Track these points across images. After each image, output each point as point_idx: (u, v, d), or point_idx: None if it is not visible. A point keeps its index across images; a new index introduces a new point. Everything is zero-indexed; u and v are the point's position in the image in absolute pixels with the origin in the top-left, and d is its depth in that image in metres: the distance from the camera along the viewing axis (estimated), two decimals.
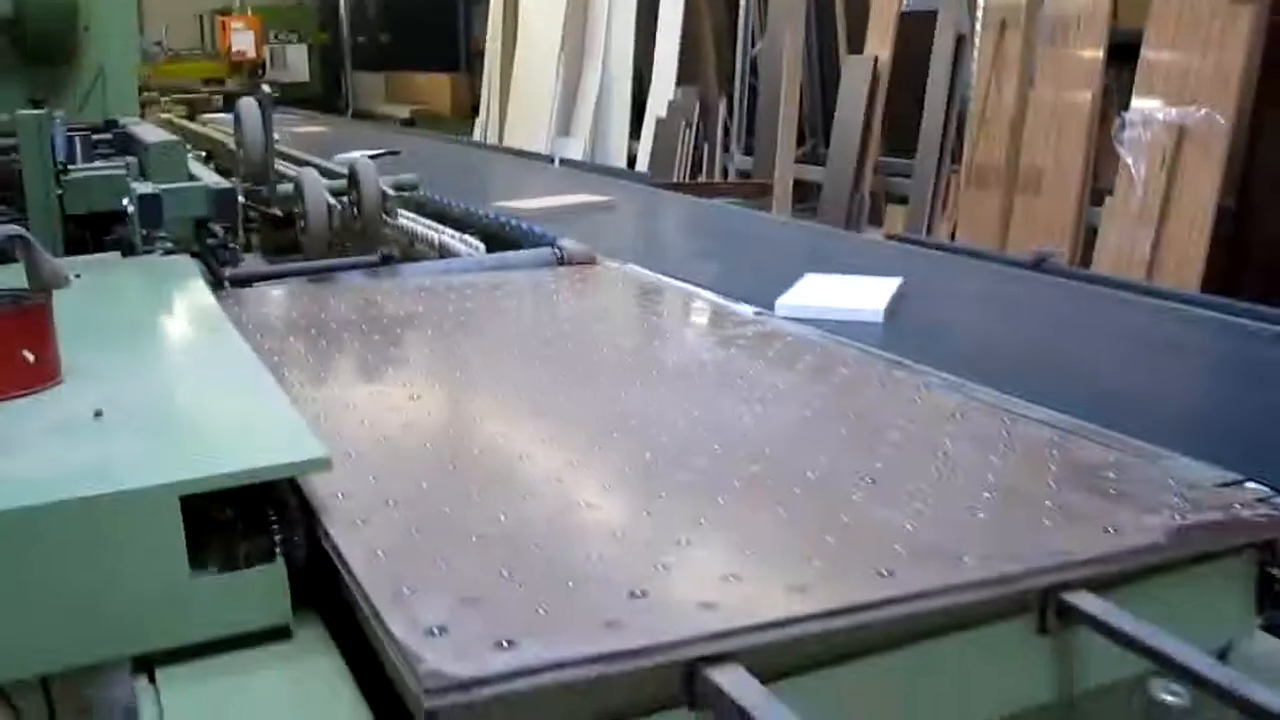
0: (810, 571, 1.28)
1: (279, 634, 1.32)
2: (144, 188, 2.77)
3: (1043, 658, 1.34)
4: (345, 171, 3.03)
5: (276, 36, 21.73)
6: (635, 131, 11.54)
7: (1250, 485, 1.56)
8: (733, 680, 1.10)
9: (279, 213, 2.97)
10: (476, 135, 14.70)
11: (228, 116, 10.58)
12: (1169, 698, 1.24)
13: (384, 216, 2.84)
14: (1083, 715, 1.37)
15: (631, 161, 11.53)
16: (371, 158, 3.25)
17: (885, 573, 1.26)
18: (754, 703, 1.07)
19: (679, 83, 10.81)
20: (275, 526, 1.35)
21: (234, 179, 3.07)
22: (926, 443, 1.70)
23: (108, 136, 3.91)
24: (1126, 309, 2.75)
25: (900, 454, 1.66)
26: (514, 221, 3.52)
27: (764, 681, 1.12)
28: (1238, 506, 1.47)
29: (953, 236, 7.24)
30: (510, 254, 3.12)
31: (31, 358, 1.71)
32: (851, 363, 2.13)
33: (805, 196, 9.12)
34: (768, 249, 3.41)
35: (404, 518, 1.42)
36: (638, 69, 11.49)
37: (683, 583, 1.26)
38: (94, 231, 3.38)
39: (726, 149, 10.06)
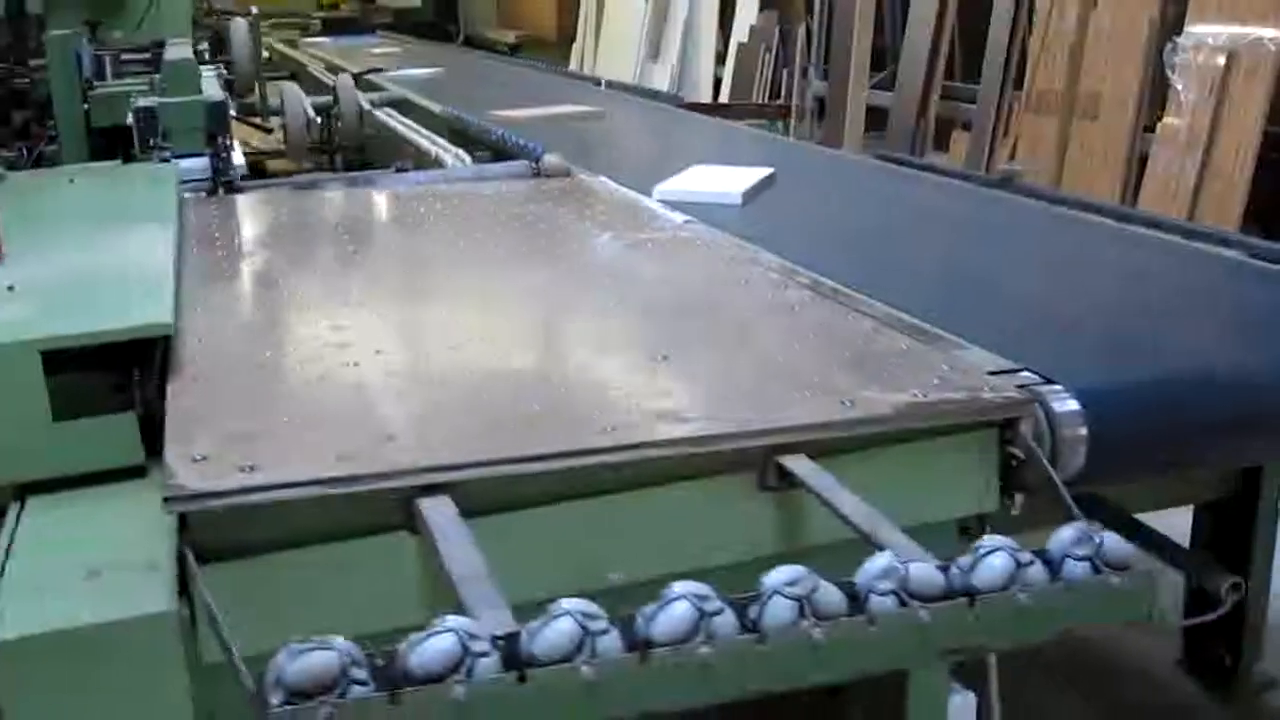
0: (541, 422, 1.47)
1: (136, 472, 1.57)
2: (145, 102, 3.03)
3: (766, 513, 1.50)
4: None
5: None
6: (723, 58, 11.57)
7: (1023, 374, 1.69)
8: (436, 510, 1.31)
9: (269, 127, 3.21)
10: (573, 63, 14.82)
11: (326, 41, 10.90)
12: None
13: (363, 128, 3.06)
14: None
15: (717, 87, 11.59)
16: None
17: (609, 429, 1.45)
18: (447, 532, 1.28)
19: (762, 7, 10.80)
20: (137, 381, 1.59)
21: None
22: (743, 328, 1.88)
23: (147, 56, 4.19)
24: (1041, 219, 2.80)
25: (708, 334, 1.84)
26: (500, 132, 3.68)
27: (475, 514, 1.32)
28: (985, 390, 1.60)
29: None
30: (488, 165, 3.33)
31: None
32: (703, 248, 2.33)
33: (880, 123, 9.09)
34: (705, 155, 3.51)
35: (237, 378, 1.65)
36: None
37: (425, 427, 1.47)
38: (123, 143, 3.66)
39: (805, 74, 10.03)
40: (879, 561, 1.15)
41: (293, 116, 2.91)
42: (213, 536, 1.29)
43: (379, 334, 1.87)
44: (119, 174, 2.83)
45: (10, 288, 1.86)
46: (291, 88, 2.98)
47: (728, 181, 2.99)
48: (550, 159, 3.33)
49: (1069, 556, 1.17)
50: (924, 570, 1.14)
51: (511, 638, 1.06)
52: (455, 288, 2.19)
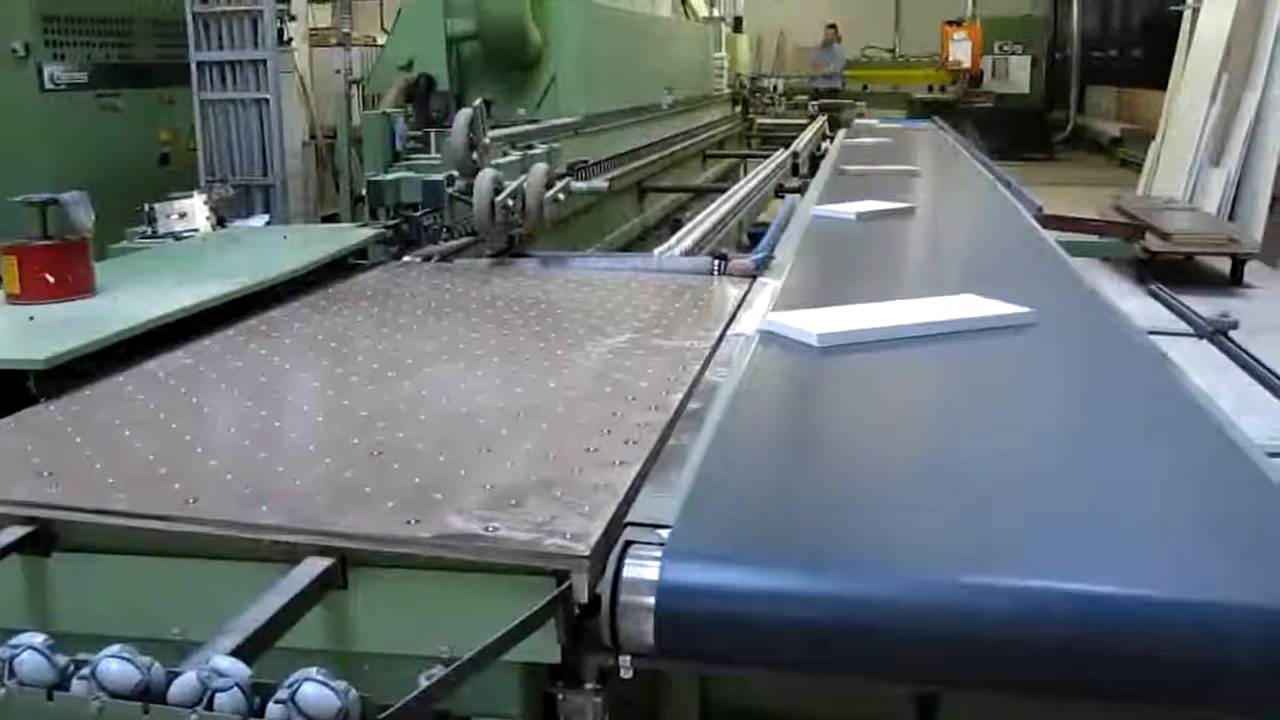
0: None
1: None
2: (379, 176, 3.56)
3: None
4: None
5: (1001, 48, 21.98)
6: None
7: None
8: None
9: None
10: (1148, 161, 13.95)
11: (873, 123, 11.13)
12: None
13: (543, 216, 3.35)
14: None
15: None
16: None
17: (192, 500, 1.63)
18: None
19: None
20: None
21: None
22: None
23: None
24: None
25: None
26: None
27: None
28: (550, 540, 1.53)
29: None
30: (669, 259, 3.46)
31: (51, 279, 2.54)
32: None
33: None
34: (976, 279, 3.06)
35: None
36: None
37: None
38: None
39: None
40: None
41: (478, 200, 3.26)
42: None
43: None
44: (316, 234, 3.36)
45: (31, 318, 2.39)
46: (486, 173, 3.33)
47: (889, 318, 2.55)
48: (738, 263, 3.40)
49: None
50: (124, 670, 1.20)
51: None
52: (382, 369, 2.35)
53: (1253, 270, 9.44)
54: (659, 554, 1.51)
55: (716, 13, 12.20)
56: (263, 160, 5.64)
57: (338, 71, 7.41)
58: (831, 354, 2.41)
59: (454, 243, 3.64)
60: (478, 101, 3.64)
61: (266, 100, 5.60)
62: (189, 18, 5.76)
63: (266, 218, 4.98)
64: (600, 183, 3.84)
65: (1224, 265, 9.44)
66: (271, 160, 5.62)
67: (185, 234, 3.89)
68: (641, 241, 6.89)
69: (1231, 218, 10.82)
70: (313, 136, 8.01)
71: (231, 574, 1.59)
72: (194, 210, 4.05)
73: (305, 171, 6.72)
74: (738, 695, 1.91)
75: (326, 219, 5.84)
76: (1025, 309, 2.59)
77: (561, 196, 3.56)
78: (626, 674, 1.54)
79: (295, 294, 2.96)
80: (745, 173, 9.39)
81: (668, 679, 1.84)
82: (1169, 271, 8.25)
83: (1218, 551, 1.59)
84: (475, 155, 3.55)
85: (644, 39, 7.55)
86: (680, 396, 2.14)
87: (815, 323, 2.51)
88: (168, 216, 4.02)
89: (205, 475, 1.74)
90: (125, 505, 1.61)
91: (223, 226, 4.15)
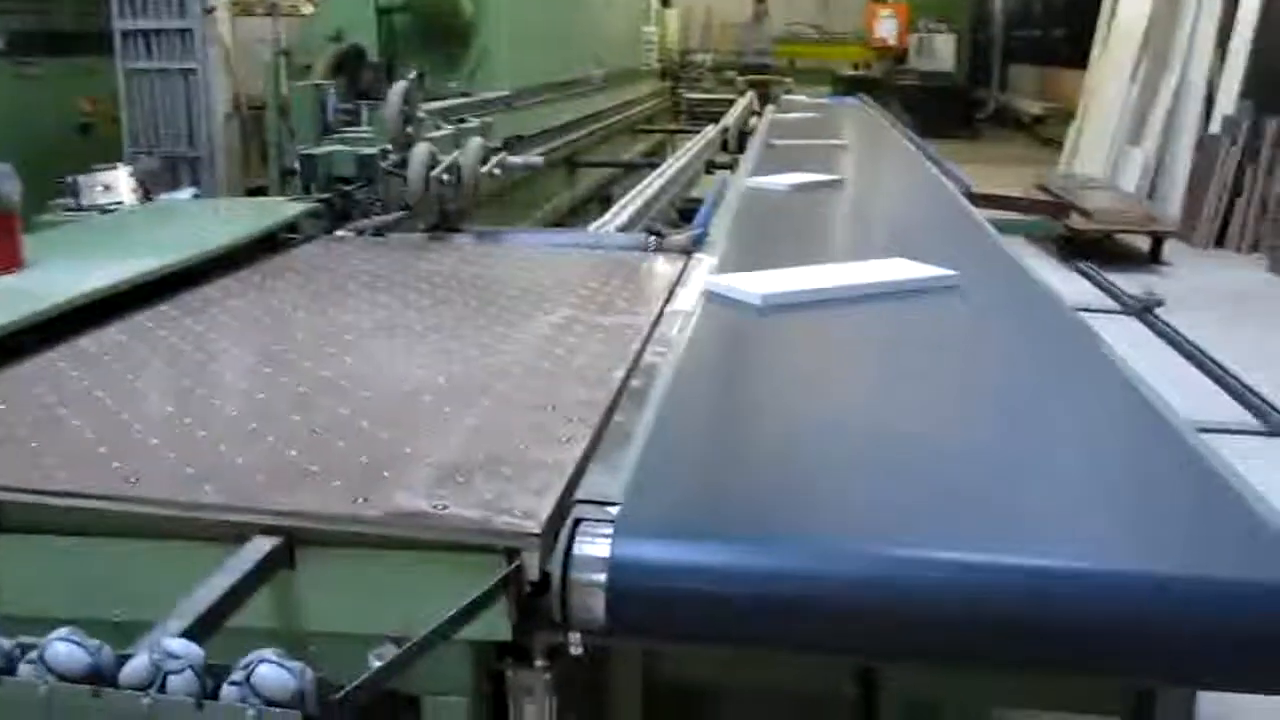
0: None
1: None
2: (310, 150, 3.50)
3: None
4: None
5: (926, 27, 22.18)
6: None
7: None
8: None
9: None
10: (1068, 141, 14.19)
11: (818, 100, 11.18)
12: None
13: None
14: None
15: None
16: None
17: (132, 479, 1.60)
18: None
19: (1245, 95, 9.81)
20: None
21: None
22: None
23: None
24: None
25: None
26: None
27: None
28: (500, 518, 1.53)
29: None
30: (606, 235, 3.46)
31: None
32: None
33: None
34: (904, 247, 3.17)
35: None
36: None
37: None
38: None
39: (1270, 172, 9.01)
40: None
41: (412, 175, 3.22)
42: None
43: None
44: (236, 206, 3.31)
45: None
46: (420, 147, 3.29)
47: (824, 279, 2.69)
48: (675, 238, 3.40)
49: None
50: (72, 653, 1.18)
51: None
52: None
53: (1171, 248, 9.66)
54: (609, 531, 1.52)
55: None
56: (189, 131, 5.53)
57: (261, 41, 7.28)
58: (772, 314, 2.51)
59: (386, 217, 3.60)
60: (412, 74, 3.60)
61: (193, 70, 5.48)
62: None
63: (194, 190, 4.88)
64: (535, 159, 3.82)
65: (1143, 243, 9.66)
66: (199, 131, 5.51)
67: (111, 206, 3.80)
68: (573, 217, 6.87)
69: (1150, 197, 11.06)
70: (237, 108, 7.85)
71: (175, 554, 1.57)
72: (119, 182, 3.96)
73: (229, 143, 6.59)
74: (680, 671, 1.93)
75: (252, 191, 5.75)
76: (953, 271, 2.74)
77: (497, 171, 3.54)
78: (576, 651, 1.55)
79: (228, 269, 2.91)
80: (674, 148, 9.39)
81: (610, 656, 1.85)
82: (1090, 249, 8.42)
83: (1150, 521, 1.64)
84: (409, 129, 3.51)
85: (576, 12, 7.50)
86: (622, 373, 2.14)
87: (757, 284, 2.61)
88: (92, 189, 3.92)
89: (146, 454, 1.71)
90: (66, 485, 1.58)
91: (149, 199, 4.07)
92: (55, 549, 1.58)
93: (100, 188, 3.90)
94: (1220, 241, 9.94)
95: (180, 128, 5.58)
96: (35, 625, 1.27)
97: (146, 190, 4.05)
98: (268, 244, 3.18)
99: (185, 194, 4.48)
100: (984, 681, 1.78)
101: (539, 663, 1.59)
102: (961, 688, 1.82)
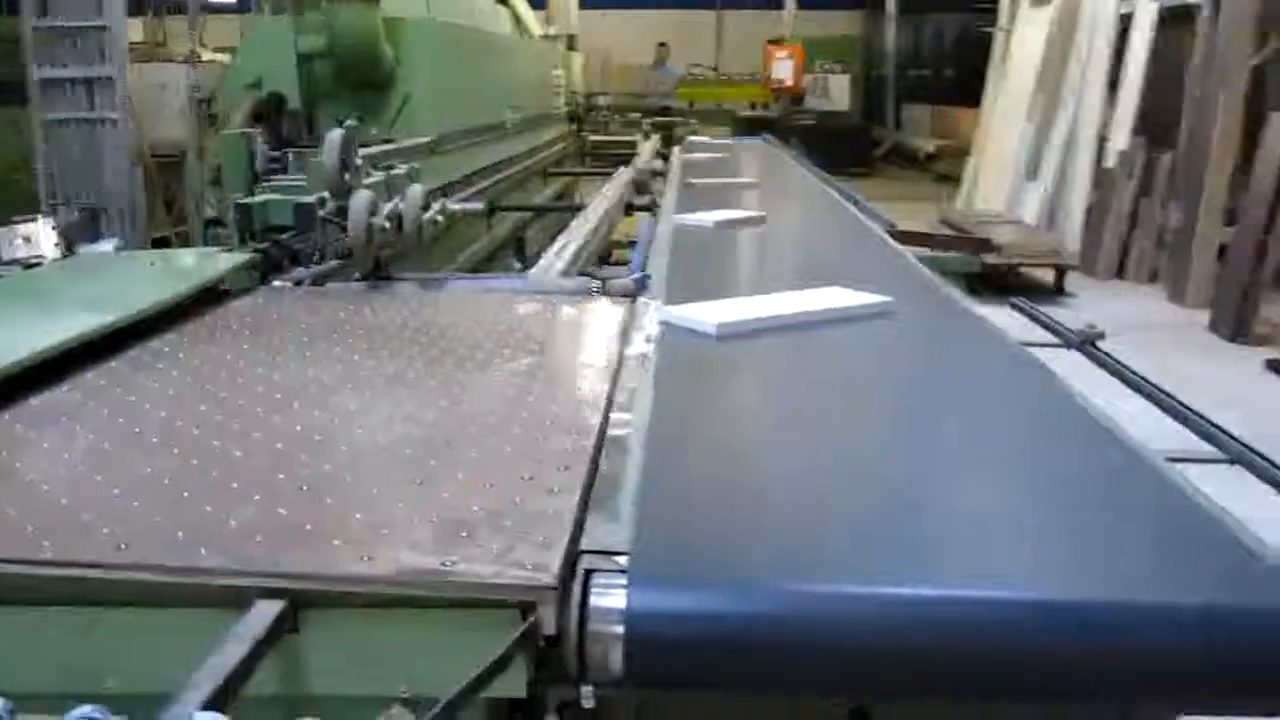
0: None
1: None
2: (246, 199, 3.43)
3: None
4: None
5: (822, 67, 22.61)
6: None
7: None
8: None
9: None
10: (966, 179, 14.55)
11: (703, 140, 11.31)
12: None
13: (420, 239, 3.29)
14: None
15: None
16: None
17: (123, 546, 1.54)
18: None
19: (1138, 131, 10.17)
20: None
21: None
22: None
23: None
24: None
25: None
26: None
27: None
28: (513, 572, 1.51)
29: None
30: (550, 280, 3.45)
31: None
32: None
33: None
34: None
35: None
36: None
37: None
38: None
39: (1163, 206, 9.33)
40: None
41: (352, 222, 3.18)
42: None
43: None
44: (179, 259, 3.23)
45: None
46: (360, 194, 3.25)
47: (770, 309, 2.86)
48: (619, 282, 3.40)
49: None
50: None
51: None
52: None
53: (1073, 279, 9.95)
54: (624, 581, 1.50)
55: (551, 31, 12.22)
56: (107, 182, 5.38)
57: (163, 87, 7.16)
58: (730, 341, 2.67)
59: (323, 267, 3.55)
60: (350, 121, 3.55)
61: (114, 120, 5.34)
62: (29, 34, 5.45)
63: (116, 242, 4.75)
64: (476, 204, 3.79)
65: (1047, 275, 9.92)
66: (118, 182, 5.36)
67: (33, 261, 3.68)
68: (490, 261, 6.83)
69: (1049, 230, 11.38)
70: (140, 156, 7.70)
71: (169, 622, 1.51)
72: (39, 235, 3.84)
73: (133, 193, 6.45)
74: (674, 714, 1.91)
75: (157, 242, 5.61)
76: (888, 298, 2.99)
77: (439, 218, 3.51)
78: (588, 704, 1.53)
79: (170, 323, 2.83)
80: (580, 191, 9.41)
81: (608, 704, 1.83)
82: (998, 282, 8.62)
83: (1125, 551, 1.68)
84: (347, 176, 3.47)
85: (492, 57, 7.50)
86: (599, 419, 2.13)
87: (710, 314, 2.77)
88: (11, 242, 3.79)
89: (130, 518, 1.65)
90: (53, 554, 1.52)
91: (71, 252, 3.95)
92: (41, 620, 1.50)
93: (20, 240, 3.78)
94: (1120, 273, 10.26)
95: (99, 178, 5.42)
96: (25, 702, 1.22)
97: (70, 243, 3.94)
98: (206, 296, 3.11)
99: (107, 245, 4.36)
100: (994, 711, 1.79)
101: (550, 718, 1.56)
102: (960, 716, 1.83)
